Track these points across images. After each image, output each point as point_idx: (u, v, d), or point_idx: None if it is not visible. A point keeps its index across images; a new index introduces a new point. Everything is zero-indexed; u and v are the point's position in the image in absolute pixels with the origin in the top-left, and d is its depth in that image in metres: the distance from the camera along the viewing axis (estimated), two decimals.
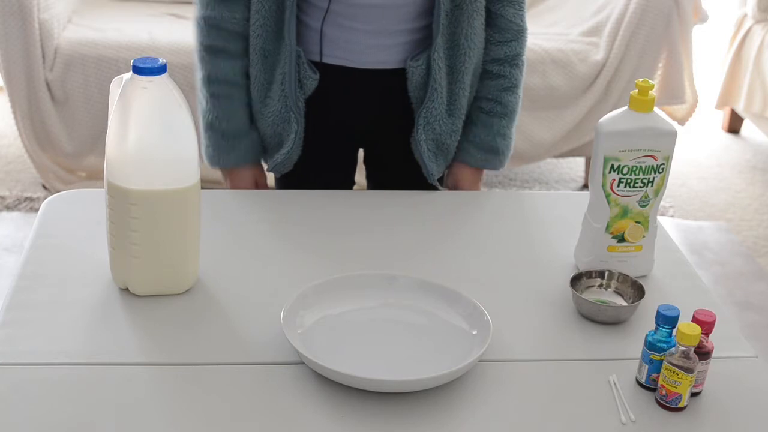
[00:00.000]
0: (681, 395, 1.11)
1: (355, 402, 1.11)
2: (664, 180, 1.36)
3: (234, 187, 1.67)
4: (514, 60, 1.62)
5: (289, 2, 1.50)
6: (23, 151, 3.30)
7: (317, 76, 1.57)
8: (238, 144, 1.63)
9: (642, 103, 1.31)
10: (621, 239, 1.38)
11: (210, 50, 1.58)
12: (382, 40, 1.55)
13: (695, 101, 3.39)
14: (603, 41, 3.24)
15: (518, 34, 1.61)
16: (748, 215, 3.39)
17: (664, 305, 1.15)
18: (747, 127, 4.12)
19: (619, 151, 1.32)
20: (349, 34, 1.55)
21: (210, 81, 1.59)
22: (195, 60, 1.62)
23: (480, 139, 1.65)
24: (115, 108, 1.23)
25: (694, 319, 1.14)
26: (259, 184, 1.69)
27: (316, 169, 1.68)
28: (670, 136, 1.33)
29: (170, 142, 1.24)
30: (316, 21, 1.55)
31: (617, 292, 1.34)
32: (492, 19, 1.59)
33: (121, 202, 1.25)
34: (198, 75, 1.62)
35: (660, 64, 3.27)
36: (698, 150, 3.92)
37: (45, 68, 3.02)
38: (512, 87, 1.64)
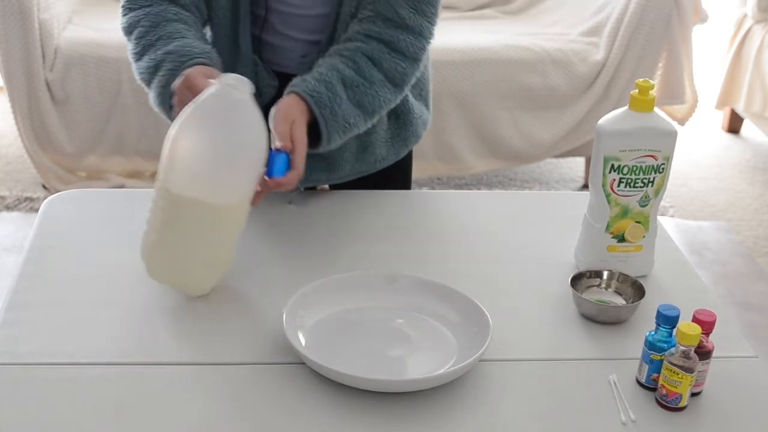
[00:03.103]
0: (681, 395, 1.12)
1: (355, 402, 1.11)
2: (664, 180, 1.36)
3: (183, 79, 1.32)
4: (389, 44, 1.42)
5: (242, 12, 1.48)
6: (23, 151, 3.30)
7: (276, 83, 1.51)
8: (178, 47, 1.39)
9: (642, 103, 1.31)
10: (621, 239, 1.38)
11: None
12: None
13: (695, 101, 3.39)
14: (603, 41, 3.24)
15: (404, 29, 1.43)
16: (748, 215, 3.39)
17: (664, 305, 1.15)
18: (747, 127, 4.12)
19: (620, 151, 1.32)
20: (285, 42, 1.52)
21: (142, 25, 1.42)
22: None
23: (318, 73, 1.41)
24: (197, 106, 1.20)
25: (694, 319, 1.14)
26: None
27: None
28: (670, 136, 1.33)
29: (226, 159, 1.21)
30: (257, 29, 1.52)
31: (617, 292, 1.34)
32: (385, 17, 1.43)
33: (158, 190, 1.24)
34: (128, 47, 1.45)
35: (660, 64, 3.27)
36: (698, 150, 3.92)
37: (45, 68, 3.03)
38: (374, 63, 1.42)
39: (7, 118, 3.52)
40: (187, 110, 1.21)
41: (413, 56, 1.45)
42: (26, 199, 3.18)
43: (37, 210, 3.02)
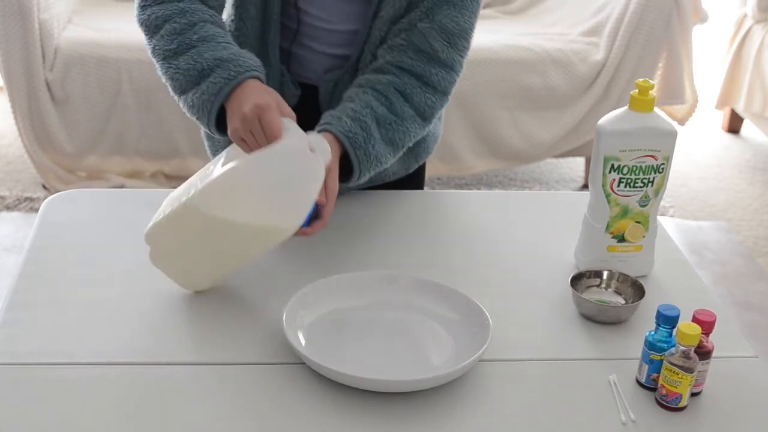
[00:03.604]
0: (681, 395, 1.12)
1: (355, 402, 1.11)
2: (664, 180, 1.36)
3: (255, 107, 1.27)
4: (421, 78, 1.42)
5: (273, 24, 1.47)
6: (23, 151, 3.30)
7: (299, 93, 1.53)
8: (233, 56, 1.34)
9: (642, 103, 1.31)
10: (621, 239, 1.38)
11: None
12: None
13: (695, 101, 3.40)
14: (603, 41, 3.24)
15: (437, 62, 1.43)
16: (748, 215, 3.39)
17: (664, 305, 1.15)
18: (747, 127, 4.12)
19: (620, 151, 1.32)
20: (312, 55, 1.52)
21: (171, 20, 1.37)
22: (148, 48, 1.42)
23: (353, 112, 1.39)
24: (276, 153, 1.22)
25: (694, 319, 1.14)
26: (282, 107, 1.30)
27: None
28: (670, 136, 1.33)
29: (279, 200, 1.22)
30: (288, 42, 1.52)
31: (617, 292, 1.34)
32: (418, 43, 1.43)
33: (194, 205, 1.23)
34: (149, 49, 1.41)
35: (660, 64, 3.27)
36: (698, 150, 3.92)
37: (45, 68, 3.03)
38: (404, 95, 1.42)
39: (7, 118, 3.52)
40: (264, 152, 1.22)
41: (444, 90, 1.45)
42: (26, 199, 3.18)
43: (37, 210, 3.02)
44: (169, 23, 1.38)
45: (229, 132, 1.31)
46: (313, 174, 1.24)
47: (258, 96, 1.29)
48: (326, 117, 1.39)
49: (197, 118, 1.38)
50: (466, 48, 1.46)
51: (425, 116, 1.45)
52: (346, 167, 1.38)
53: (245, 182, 1.22)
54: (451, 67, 1.44)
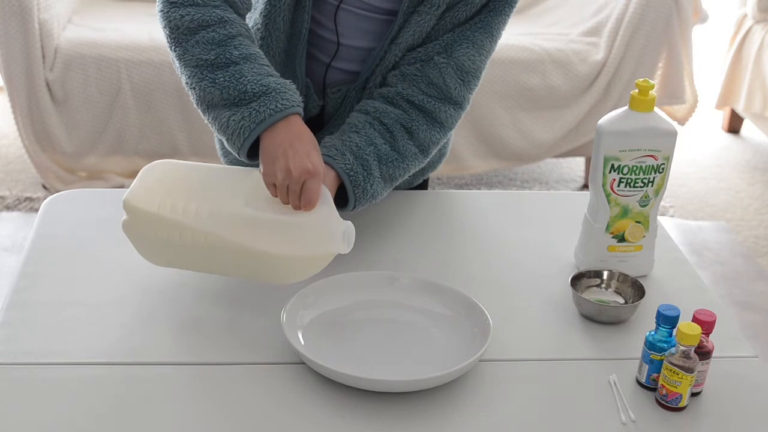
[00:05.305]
0: (681, 395, 1.12)
1: (356, 402, 1.11)
2: (664, 180, 1.36)
3: (305, 171, 1.23)
4: (430, 114, 1.43)
5: (302, 36, 1.46)
6: (23, 151, 3.30)
7: (321, 103, 1.53)
8: (281, 87, 1.30)
9: (642, 103, 1.31)
10: (621, 239, 1.38)
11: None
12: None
13: (695, 101, 3.40)
14: (603, 41, 3.24)
15: (448, 100, 1.44)
16: (748, 215, 3.39)
17: (664, 305, 1.15)
18: (747, 127, 4.12)
19: (620, 151, 1.32)
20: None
21: (204, 27, 1.32)
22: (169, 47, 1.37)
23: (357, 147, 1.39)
24: (316, 224, 1.24)
25: (694, 319, 1.14)
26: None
27: None
28: (670, 136, 1.33)
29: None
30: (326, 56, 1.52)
31: (617, 292, 1.34)
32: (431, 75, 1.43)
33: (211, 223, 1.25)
34: (176, 51, 1.35)
35: (660, 64, 3.28)
36: (698, 150, 3.92)
37: (45, 68, 3.03)
38: (410, 132, 1.43)
39: (7, 118, 3.52)
40: (305, 217, 1.23)
41: (449, 126, 1.46)
42: (26, 199, 3.18)
43: (37, 210, 3.02)
44: (206, 30, 1.32)
45: (261, 172, 1.26)
46: (326, 257, 1.25)
47: (306, 154, 1.25)
48: (329, 147, 1.38)
49: (226, 138, 1.32)
50: (476, 86, 1.47)
51: (427, 152, 1.46)
52: (341, 197, 1.38)
53: (272, 231, 1.23)
54: (460, 105, 1.45)
